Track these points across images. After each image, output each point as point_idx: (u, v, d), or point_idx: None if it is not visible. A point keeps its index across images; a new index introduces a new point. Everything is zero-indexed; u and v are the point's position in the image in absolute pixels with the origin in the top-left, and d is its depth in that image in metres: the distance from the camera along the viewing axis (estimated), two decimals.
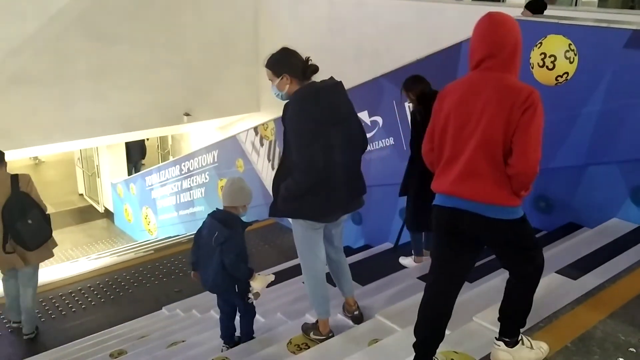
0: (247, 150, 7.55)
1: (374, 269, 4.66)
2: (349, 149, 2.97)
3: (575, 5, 6.31)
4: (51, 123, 8.56)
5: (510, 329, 2.25)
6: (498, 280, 3.15)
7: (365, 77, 5.40)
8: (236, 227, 3.34)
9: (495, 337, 2.28)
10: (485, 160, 2.06)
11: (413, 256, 4.41)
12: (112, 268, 6.53)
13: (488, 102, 2.04)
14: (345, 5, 8.13)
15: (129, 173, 12.25)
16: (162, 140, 14.19)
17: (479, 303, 2.86)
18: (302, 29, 8.77)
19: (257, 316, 3.73)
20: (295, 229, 3.17)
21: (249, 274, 3.38)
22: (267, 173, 7.13)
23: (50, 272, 6.80)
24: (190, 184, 9.08)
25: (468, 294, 3.24)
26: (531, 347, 2.24)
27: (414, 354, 2.29)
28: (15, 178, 4.31)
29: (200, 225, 3.50)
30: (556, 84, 3.81)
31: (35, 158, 14.80)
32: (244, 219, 3.46)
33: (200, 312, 4.75)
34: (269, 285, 3.50)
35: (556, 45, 3.77)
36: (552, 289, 2.85)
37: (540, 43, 3.83)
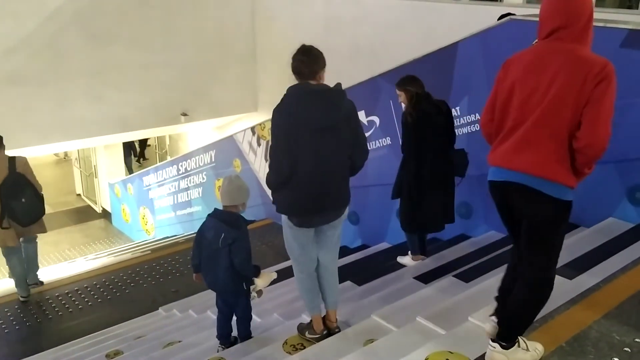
0: (244, 150, 7.54)
1: (370, 269, 4.67)
2: (332, 157, 2.90)
3: None
4: (48, 123, 8.53)
5: (505, 333, 2.20)
6: (494, 280, 3.14)
7: (362, 76, 5.39)
8: (242, 227, 3.34)
9: (491, 339, 2.25)
10: (548, 131, 1.99)
11: (410, 255, 4.42)
12: (109, 268, 6.51)
13: (559, 72, 1.98)
14: (341, 5, 8.11)
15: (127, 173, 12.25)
16: (160, 140, 14.18)
17: (475, 303, 2.86)
18: (299, 29, 8.75)
19: (254, 316, 3.73)
20: (282, 222, 3.19)
21: (257, 271, 3.41)
22: (264, 173, 7.08)
23: (47, 272, 6.78)
24: (187, 184, 9.07)
25: (464, 293, 3.24)
26: (527, 349, 2.21)
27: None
28: (12, 160, 4.81)
29: (200, 226, 3.47)
30: None
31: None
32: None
33: (197, 312, 4.75)
34: (269, 284, 3.51)
35: None
36: None
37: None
